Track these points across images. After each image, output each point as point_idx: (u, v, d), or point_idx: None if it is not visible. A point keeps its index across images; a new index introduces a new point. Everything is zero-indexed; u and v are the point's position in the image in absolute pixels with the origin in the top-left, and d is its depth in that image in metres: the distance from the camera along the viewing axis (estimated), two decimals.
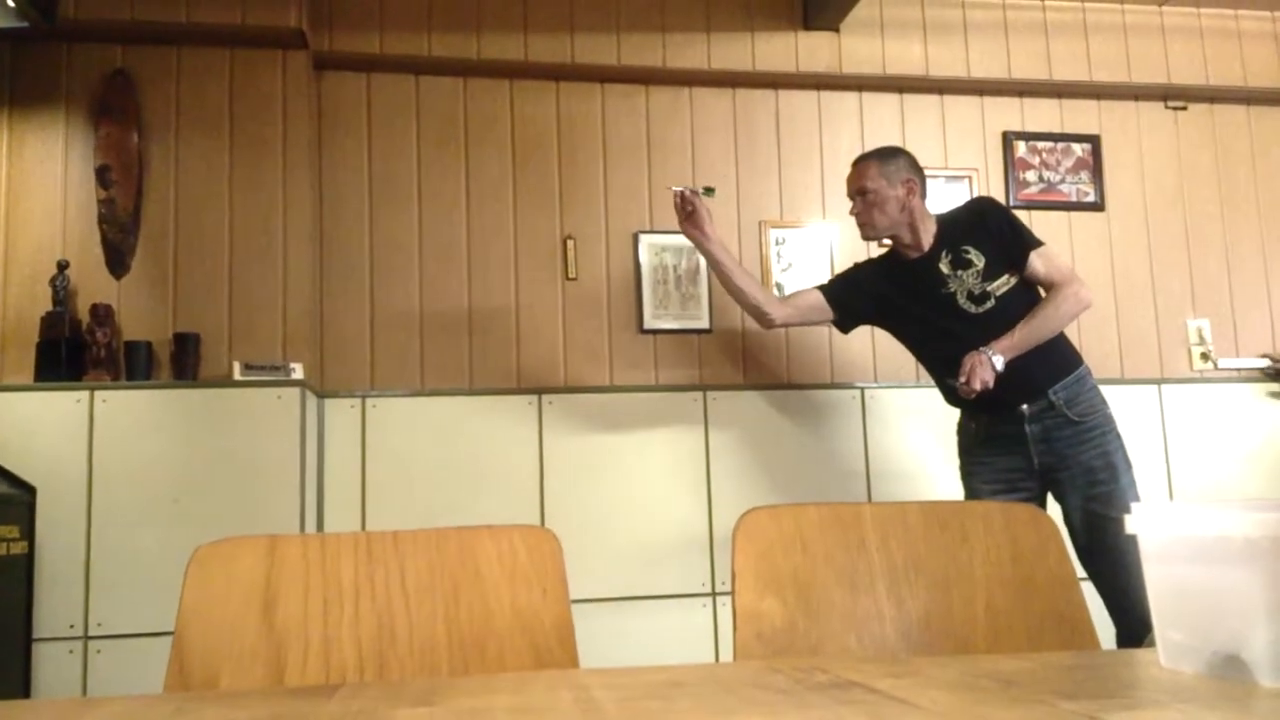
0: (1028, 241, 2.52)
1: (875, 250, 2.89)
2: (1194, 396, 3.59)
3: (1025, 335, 2.43)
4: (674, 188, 2.66)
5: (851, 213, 2.68)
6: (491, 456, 3.18)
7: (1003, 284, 2.50)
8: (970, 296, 2.51)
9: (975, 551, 1.21)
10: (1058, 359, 2.49)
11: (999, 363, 2.39)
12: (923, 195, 2.62)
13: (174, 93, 3.11)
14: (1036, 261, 2.50)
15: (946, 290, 2.53)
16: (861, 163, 2.67)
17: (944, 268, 2.54)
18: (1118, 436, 2.47)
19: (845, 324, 2.79)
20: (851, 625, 1.15)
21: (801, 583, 1.16)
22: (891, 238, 2.65)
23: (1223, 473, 3.53)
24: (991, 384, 2.38)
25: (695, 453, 3.29)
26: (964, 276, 2.51)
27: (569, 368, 3.32)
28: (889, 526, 1.21)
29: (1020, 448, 2.48)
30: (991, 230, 2.53)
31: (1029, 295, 2.52)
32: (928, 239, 2.59)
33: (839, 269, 3.47)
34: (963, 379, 2.39)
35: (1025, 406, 2.46)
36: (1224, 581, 0.74)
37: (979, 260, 2.51)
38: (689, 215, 2.62)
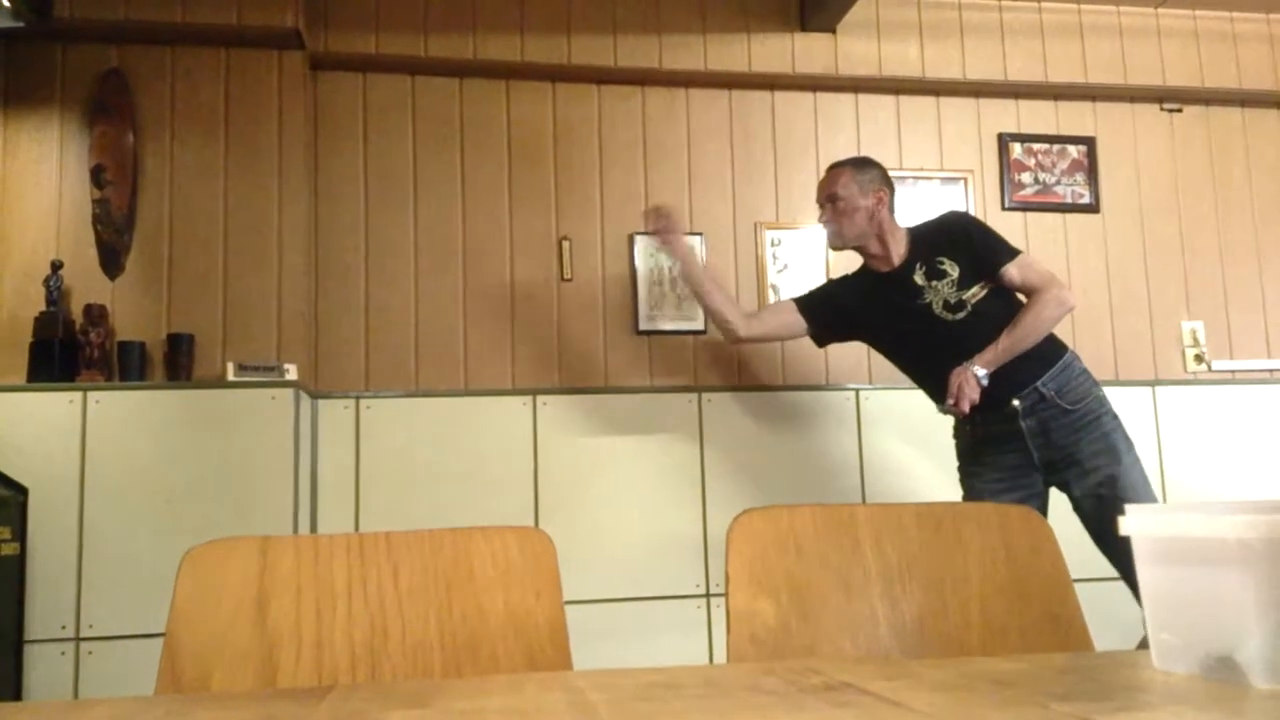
0: (998, 255, 2.54)
1: (851, 264, 2.88)
2: (1188, 398, 3.59)
3: (1009, 346, 2.45)
4: (655, 210, 2.73)
5: (820, 219, 2.72)
6: (486, 457, 3.17)
7: (977, 292, 2.52)
8: (946, 306, 2.53)
9: (969, 553, 1.21)
10: (1043, 351, 2.50)
11: (983, 377, 2.43)
12: (891, 209, 2.66)
13: (169, 93, 3.10)
14: (1012, 270, 2.52)
15: (922, 301, 2.55)
16: (835, 169, 2.70)
17: (918, 279, 2.56)
18: (1114, 417, 2.49)
19: (820, 337, 2.82)
20: (846, 627, 1.15)
21: (796, 584, 1.16)
22: (859, 249, 2.68)
23: (1217, 475, 3.53)
24: (978, 400, 2.42)
25: (690, 454, 3.29)
26: (939, 287, 2.54)
27: (564, 369, 3.32)
28: (883, 528, 1.21)
29: (1018, 444, 2.49)
30: (961, 244, 2.56)
31: (1004, 301, 2.54)
32: (897, 251, 2.62)
33: (834, 270, 3.48)
34: (950, 401, 2.43)
35: (1016, 402, 2.47)
36: (1217, 583, 0.74)
37: (953, 270, 2.53)
38: (665, 226, 2.67)
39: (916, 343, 2.58)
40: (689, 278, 2.75)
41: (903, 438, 3.37)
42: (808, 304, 2.77)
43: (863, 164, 2.69)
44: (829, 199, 2.65)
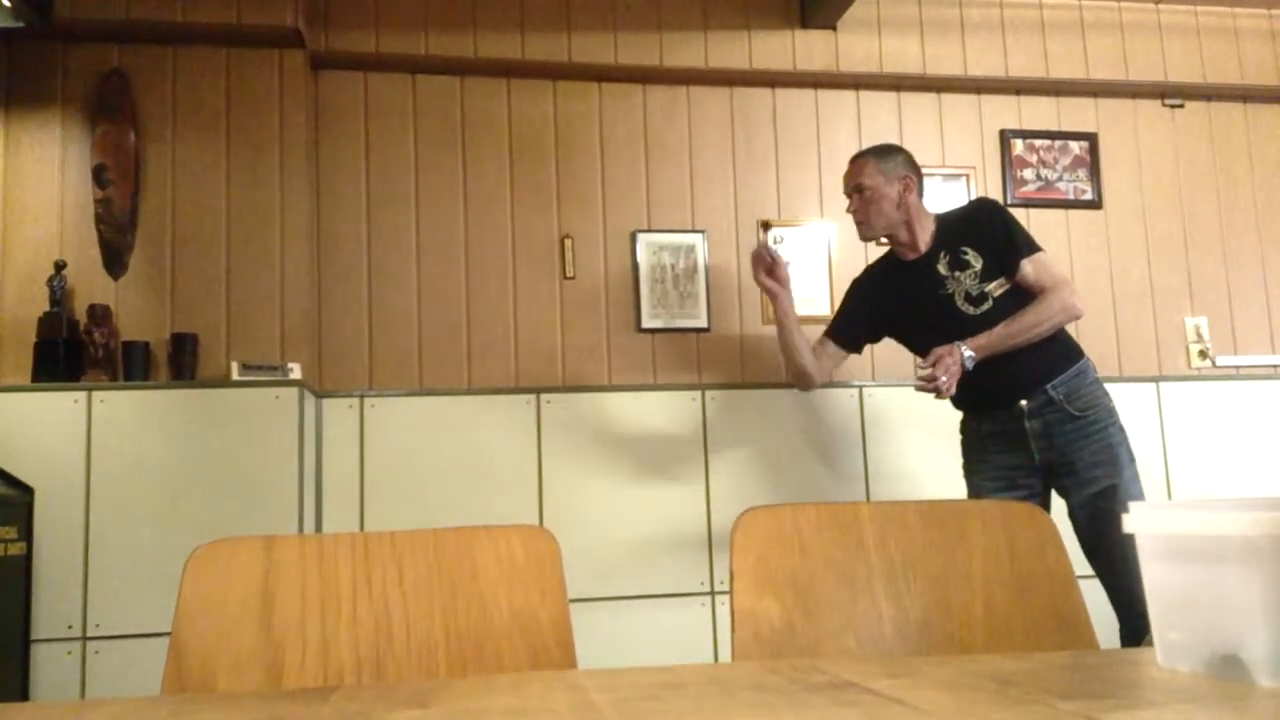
0: (1019, 248, 2.49)
1: (873, 253, 2.88)
2: (1192, 394, 3.59)
3: (1003, 336, 2.40)
4: (765, 246, 2.69)
5: (848, 210, 2.68)
6: (490, 456, 3.17)
7: (999, 285, 2.49)
8: (968, 298, 2.50)
9: (973, 551, 1.21)
10: (1057, 353, 2.48)
11: (969, 360, 2.38)
12: (920, 193, 2.62)
13: (170, 92, 3.10)
14: (1027, 267, 2.47)
15: (945, 291, 2.52)
16: (859, 159, 2.66)
17: (942, 269, 2.53)
18: (1120, 430, 2.46)
19: (856, 348, 2.81)
20: (850, 625, 1.15)
21: (800, 583, 1.16)
22: (888, 237, 2.65)
23: (1221, 471, 3.53)
24: (952, 388, 2.35)
25: (693, 452, 3.29)
26: (962, 278, 2.51)
27: (567, 367, 3.32)
28: (887, 526, 1.21)
29: (1021, 444, 2.47)
30: (986, 233, 2.52)
31: (1027, 298, 2.51)
32: (925, 238, 2.58)
33: (837, 267, 3.48)
34: (927, 366, 2.37)
35: (1024, 402, 2.45)
36: (1222, 581, 0.74)
37: (977, 262, 2.50)
38: (769, 269, 2.63)
39: (935, 334, 2.52)
40: (784, 326, 2.70)
41: (906, 435, 3.37)
42: (841, 328, 2.77)
43: (886, 151, 2.66)
44: (855, 189, 2.63)
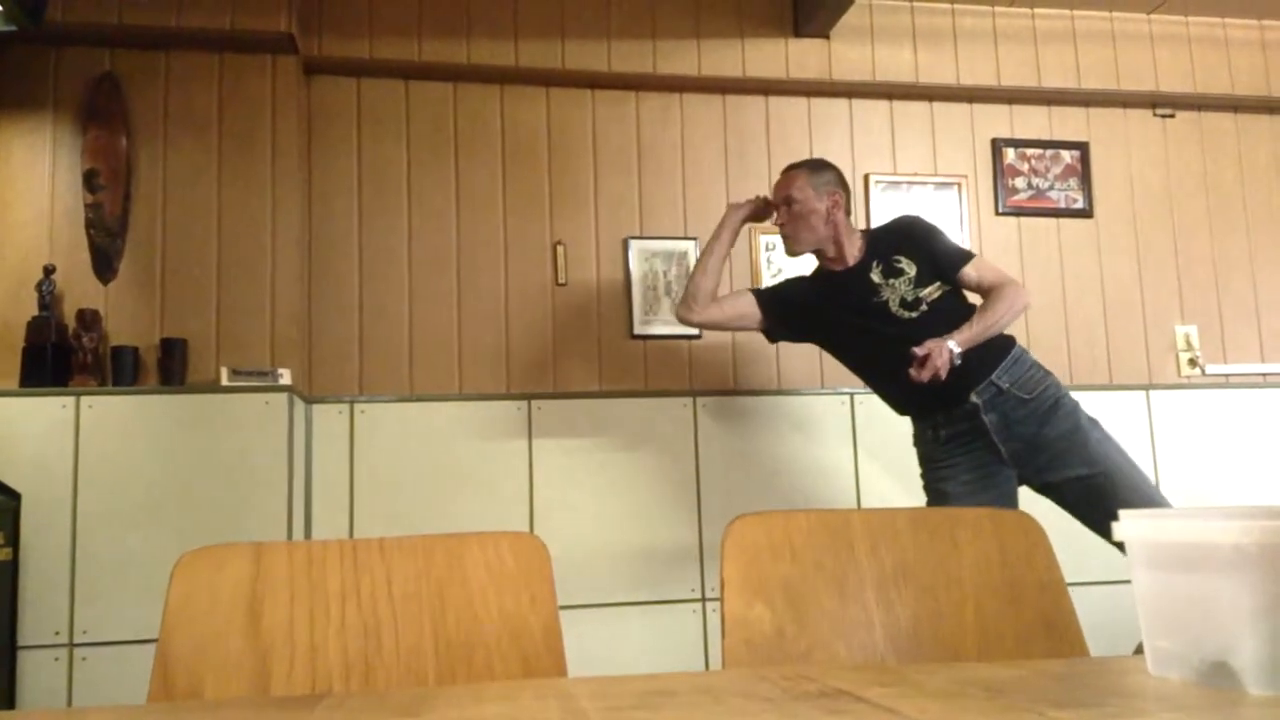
0: (957, 256, 2.57)
1: (808, 267, 2.88)
2: (1182, 403, 3.60)
3: (981, 329, 2.45)
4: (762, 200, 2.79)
5: (776, 222, 2.71)
6: (480, 462, 3.17)
7: (934, 290, 2.54)
8: (903, 303, 2.54)
9: (964, 558, 1.21)
10: (992, 344, 2.50)
11: (958, 355, 2.40)
12: (847, 211, 2.67)
13: (162, 97, 3.10)
14: (970, 271, 2.55)
15: (879, 299, 2.56)
16: (791, 171, 2.72)
17: (875, 277, 2.57)
18: (1071, 400, 2.50)
19: (773, 332, 2.80)
20: (840, 632, 1.15)
21: (790, 590, 1.16)
22: (815, 252, 2.69)
23: (1211, 479, 3.54)
24: (944, 375, 2.38)
25: (685, 459, 3.29)
26: (896, 284, 2.55)
27: (559, 373, 3.32)
28: (878, 533, 1.21)
29: (983, 440, 2.49)
30: (919, 244, 2.59)
31: (959, 300, 2.57)
32: (852, 252, 2.63)
33: None
34: (921, 351, 2.38)
35: (975, 398, 2.47)
36: (1212, 589, 0.74)
37: (910, 269, 2.55)
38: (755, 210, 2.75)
39: (872, 341, 2.57)
40: (718, 239, 2.75)
41: (897, 442, 3.36)
42: (766, 298, 2.77)
43: (818, 166, 2.71)
44: (785, 201, 2.67)
